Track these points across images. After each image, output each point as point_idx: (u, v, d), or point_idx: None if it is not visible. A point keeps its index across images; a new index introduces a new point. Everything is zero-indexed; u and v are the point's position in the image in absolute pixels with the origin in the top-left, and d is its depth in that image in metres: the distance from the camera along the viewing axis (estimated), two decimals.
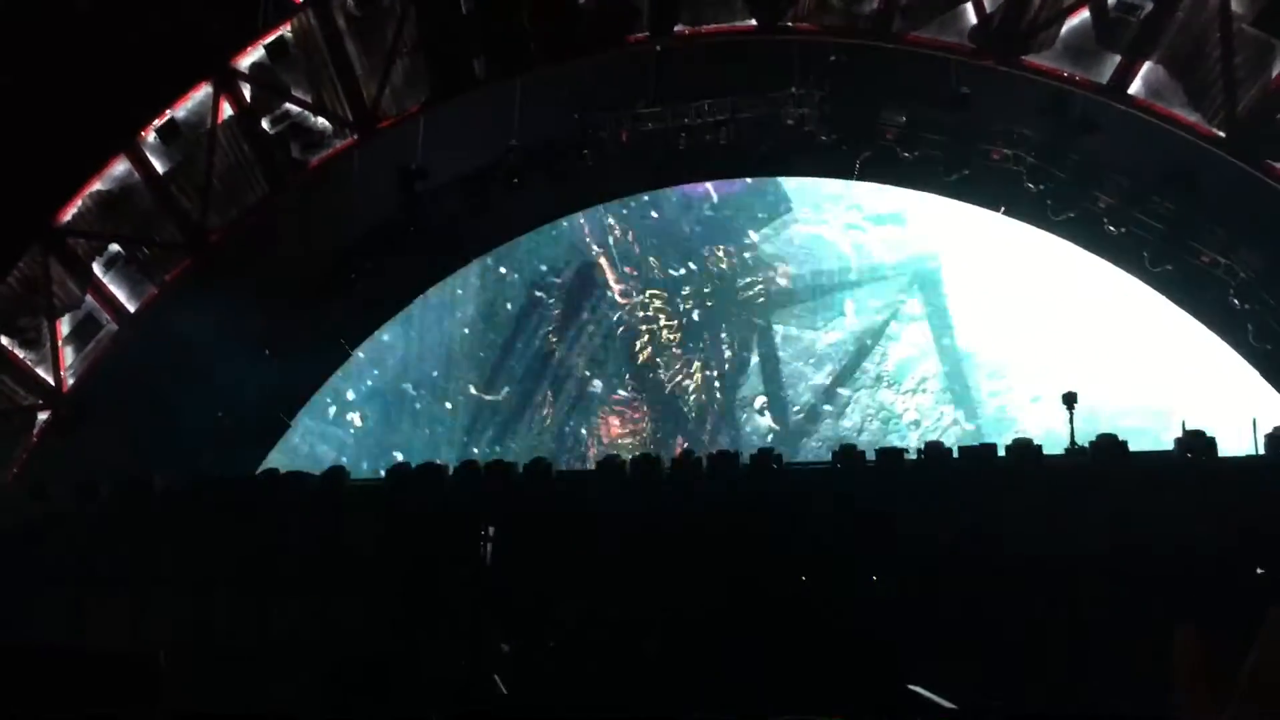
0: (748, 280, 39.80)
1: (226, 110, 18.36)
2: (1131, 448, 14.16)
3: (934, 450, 15.01)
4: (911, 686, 9.24)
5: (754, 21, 17.36)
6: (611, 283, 38.81)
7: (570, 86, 18.47)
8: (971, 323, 37.85)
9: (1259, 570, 12.68)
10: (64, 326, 18.63)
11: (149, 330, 18.85)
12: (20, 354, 18.36)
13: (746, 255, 39.86)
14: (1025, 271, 33.39)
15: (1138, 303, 18.61)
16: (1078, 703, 12.10)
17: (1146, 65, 15.94)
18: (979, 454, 14.79)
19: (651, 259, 39.08)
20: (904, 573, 13.55)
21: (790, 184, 38.64)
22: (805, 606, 13.82)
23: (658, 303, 39.57)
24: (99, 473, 17.15)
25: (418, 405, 30.32)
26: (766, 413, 39.11)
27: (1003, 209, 18.32)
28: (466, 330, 31.22)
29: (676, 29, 17.63)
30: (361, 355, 22.26)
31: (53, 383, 18.54)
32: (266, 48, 18.12)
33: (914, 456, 15.10)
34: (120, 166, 18.39)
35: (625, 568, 14.28)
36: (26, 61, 16.94)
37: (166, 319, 18.67)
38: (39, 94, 16.90)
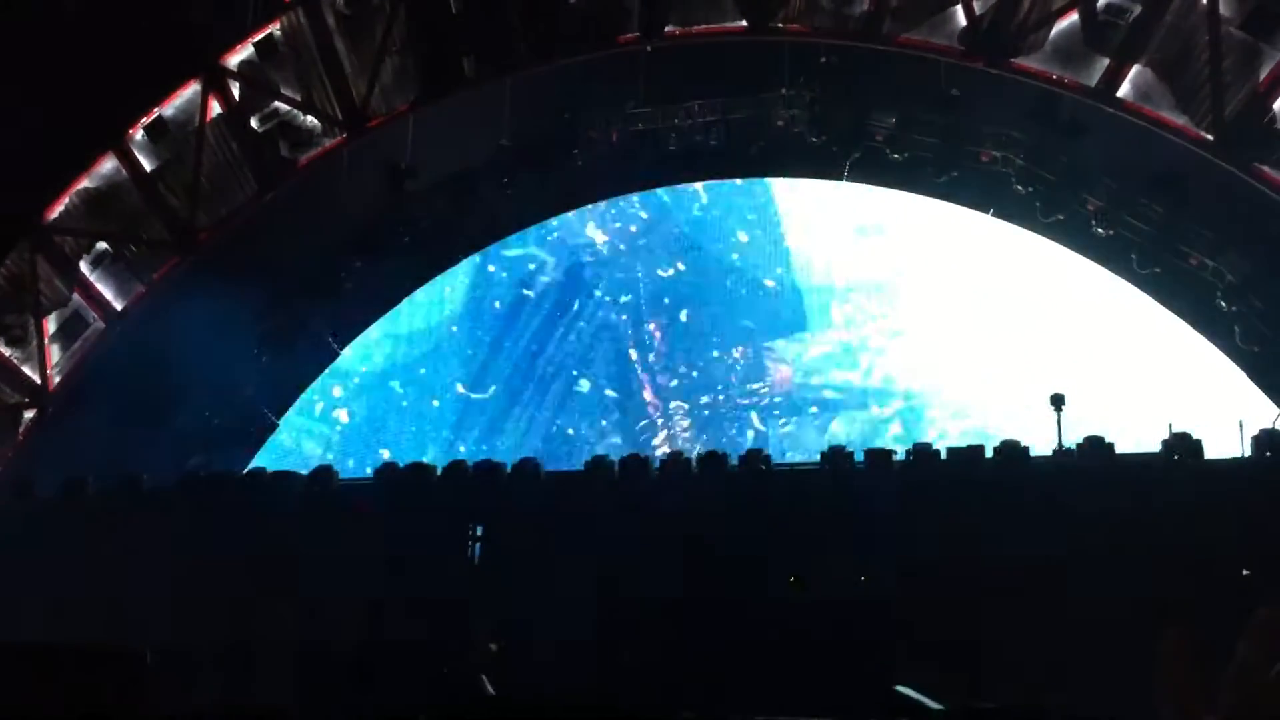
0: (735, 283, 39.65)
1: (215, 108, 18.34)
2: (1118, 449, 14.23)
3: (922, 451, 15.07)
4: (899, 687, 9.25)
5: (744, 22, 17.41)
6: (600, 283, 38.73)
7: (560, 86, 18.46)
8: (963, 326, 37.83)
9: (1245, 572, 12.74)
10: (51, 324, 18.59)
11: (136, 328, 18.79)
12: (6, 351, 18.30)
13: (735, 257, 39.76)
14: (1013, 276, 33.39)
15: (1126, 305, 18.62)
16: (1065, 703, 12.12)
17: (1135, 68, 16.03)
18: (967, 455, 14.84)
19: (640, 260, 38.96)
20: (892, 573, 13.58)
21: (779, 186, 38.58)
22: (793, 607, 13.85)
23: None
24: (85, 471, 17.08)
25: (404, 403, 30.20)
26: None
27: (992, 211, 18.34)
28: (454, 329, 31.07)
29: (667, 29, 17.65)
30: (349, 353, 22.13)
31: (39, 381, 18.47)
32: (255, 46, 18.11)
33: (902, 458, 15.16)
34: (108, 164, 18.36)
35: (614, 567, 14.28)
36: (14, 58, 16.86)
37: (154, 317, 18.62)
38: (27, 91, 16.83)
